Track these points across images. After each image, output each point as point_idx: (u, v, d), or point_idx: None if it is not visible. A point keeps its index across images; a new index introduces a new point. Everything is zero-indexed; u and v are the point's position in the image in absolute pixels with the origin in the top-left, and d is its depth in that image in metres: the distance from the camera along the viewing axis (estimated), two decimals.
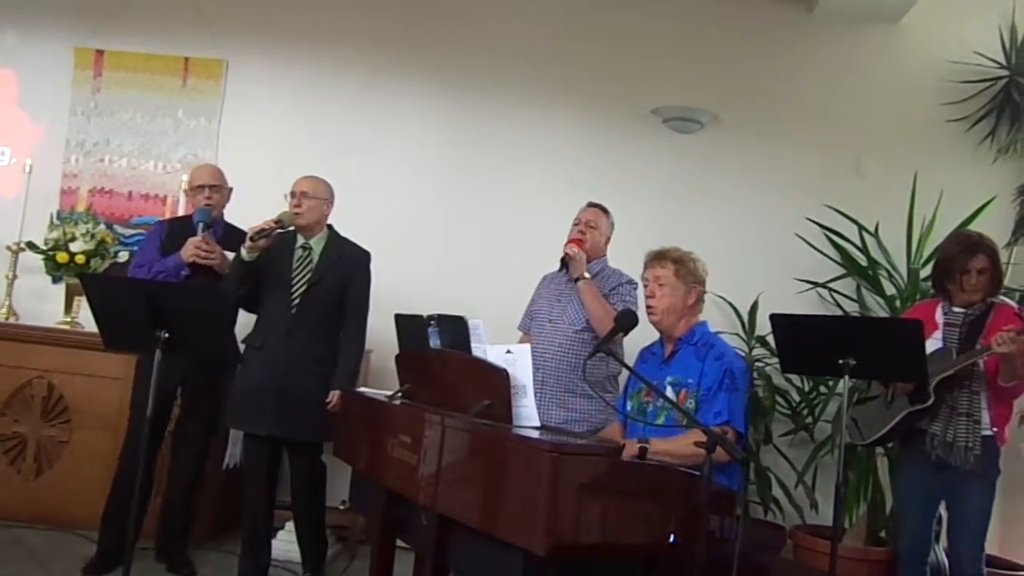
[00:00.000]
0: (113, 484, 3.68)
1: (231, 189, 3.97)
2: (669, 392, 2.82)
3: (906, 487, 3.40)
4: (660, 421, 2.82)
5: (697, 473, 2.19)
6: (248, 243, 3.46)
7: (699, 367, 2.83)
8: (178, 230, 3.85)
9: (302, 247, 3.66)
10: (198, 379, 3.73)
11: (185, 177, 4.73)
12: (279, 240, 3.56)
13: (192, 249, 3.67)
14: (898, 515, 3.58)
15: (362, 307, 3.70)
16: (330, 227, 3.76)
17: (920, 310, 3.44)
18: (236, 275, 3.57)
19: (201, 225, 3.73)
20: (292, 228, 3.61)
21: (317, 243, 3.68)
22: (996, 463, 3.18)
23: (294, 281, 3.61)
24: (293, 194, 3.64)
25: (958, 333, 3.20)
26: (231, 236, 3.86)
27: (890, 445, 3.78)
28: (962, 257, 3.21)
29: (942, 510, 3.32)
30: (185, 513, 3.87)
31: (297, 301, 3.59)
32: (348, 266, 3.69)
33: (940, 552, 3.42)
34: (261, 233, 3.46)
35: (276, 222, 3.50)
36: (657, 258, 3.01)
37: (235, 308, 3.71)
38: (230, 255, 3.79)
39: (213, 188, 3.86)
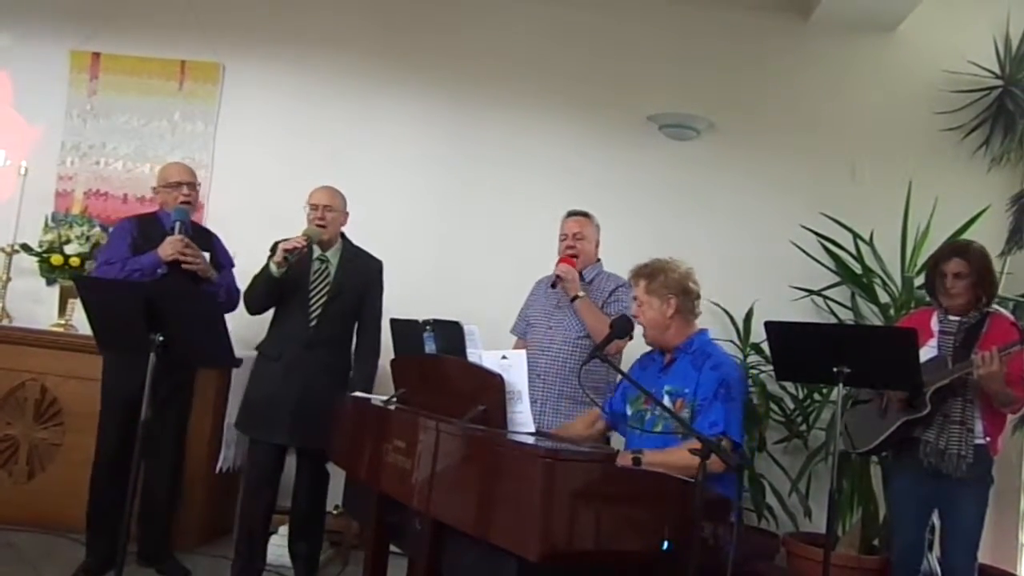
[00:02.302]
0: (89, 489, 3.66)
1: (199, 185, 3.93)
2: (666, 400, 2.81)
3: (899, 496, 3.40)
4: (658, 429, 2.80)
5: (692, 480, 2.19)
6: (279, 259, 3.48)
7: (695, 377, 2.82)
8: (149, 228, 3.75)
9: (319, 259, 3.69)
10: (166, 381, 3.69)
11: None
12: (305, 254, 3.59)
13: (170, 248, 3.60)
14: (891, 523, 3.59)
15: (377, 317, 3.75)
16: (343, 236, 3.79)
17: (915, 318, 3.45)
18: (264, 290, 3.59)
19: (178, 224, 3.66)
20: (316, 242, 3.65)
21: (333, 255, 3.72)
22: (989, 472, 3.19)
23: (312, 295, 3.64)
24: (315, 207, 3.66)
25: (952, 341, 3.20)
26: (199, 236, 3.85)
27: (884, 454, 3.79)
28: (938, 261, 3.29)
29: (935, 519, 3.32)
30: (168, 515, 3.83)
31: (317, 313, 3.62)
32: (364, 278, 3.74)
33: (933, 561, 3.43)
34: (294, 252, 3.48)
35: (306, 239, 3.53)
36: (633, 276, 3.02)
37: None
38: (205, 256, 3.75)
39: (191, 185, 3.79)
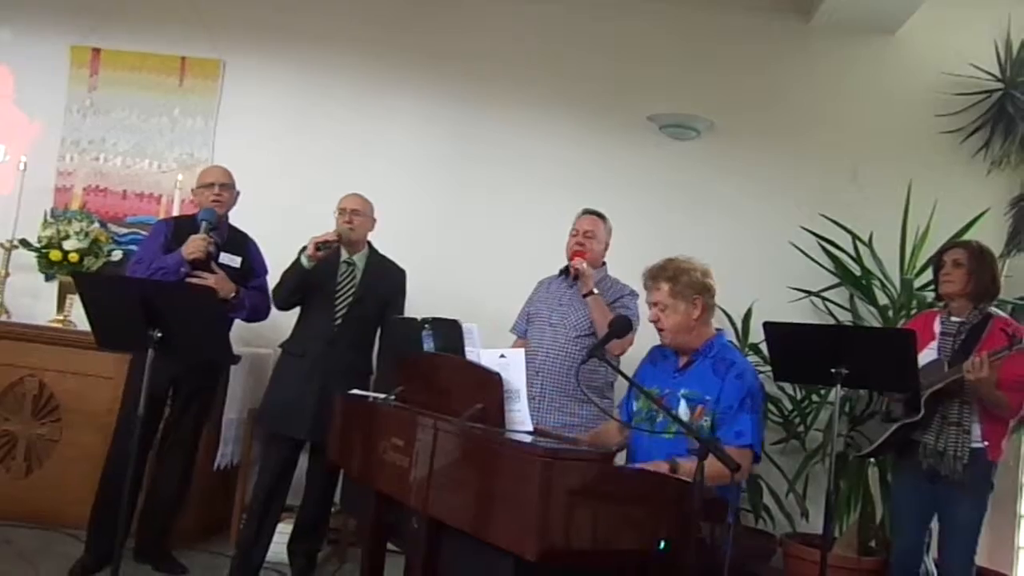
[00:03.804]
0: (100, 485, 3.66)
1: (239, 193, 3.93)
2: (683, 405, 2.74)
3: (900, 498, 3.41)
4: (671, 432, 2.70)
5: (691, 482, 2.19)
6: (311, 251, 3.56)
7: (718, 384, 2.71)
8: (184, 229, 3.76)
9: (346, 262, 3.76)
10: (191, 381, 3.72)
11: (180, 177, 4.74)
12: (335, 250, 3.67)
13: (192, 246, 3.61)
14: (891, 526, 3.60)
15: None
16: (370, 244, 3.86)
17: (920, 320, 3.47)
18: (293, 282, 3.66)
19: (205, 224, 3.68)
20: (347, 242, 3.72)
21: (360, 260, 3.80)
22: (988, 477, 3.18)
23: (338, 295, 3.71)
24: (343, 211, 3.75)
25: (952, 342, 3.21)
26: (235, 240, 3.86)
27: (881, 457, 3.79)
28: (939, 252, 3.39)
29: (934, 522, 3.33)
30: (173, 514, 3.85)
31: (342, 313, 3.70)
32: (388, 284, 3.82)
33: (931, 564, 3.43)
34: (326, 244, 3.57)
35: (336, 235, 3.62)
36: (652, 279, 2.89)
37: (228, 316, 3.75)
38: (236, 260, 3.79)
39: (224, 186, 3.82)
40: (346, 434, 3.12)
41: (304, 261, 3.59)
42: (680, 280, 2.83)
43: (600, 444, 2.90)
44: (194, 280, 3.61)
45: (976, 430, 3.14)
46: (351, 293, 3.72)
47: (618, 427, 3.02)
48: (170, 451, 3.79)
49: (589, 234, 3.69)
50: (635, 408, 2.92)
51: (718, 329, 2.95)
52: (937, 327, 3.29)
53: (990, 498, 3.21)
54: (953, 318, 3.28)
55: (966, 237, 4.11)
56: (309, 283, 3.67)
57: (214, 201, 3.77)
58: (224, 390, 4.25)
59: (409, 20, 5.09)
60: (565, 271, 3.77)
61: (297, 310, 3.82)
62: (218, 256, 3.74)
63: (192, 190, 3.97)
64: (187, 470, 3.86)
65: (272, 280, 3.84)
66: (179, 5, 5.07)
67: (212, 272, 3.67)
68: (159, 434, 3.76)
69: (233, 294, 3.72)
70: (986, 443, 3.14)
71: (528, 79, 5.01)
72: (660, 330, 2.88)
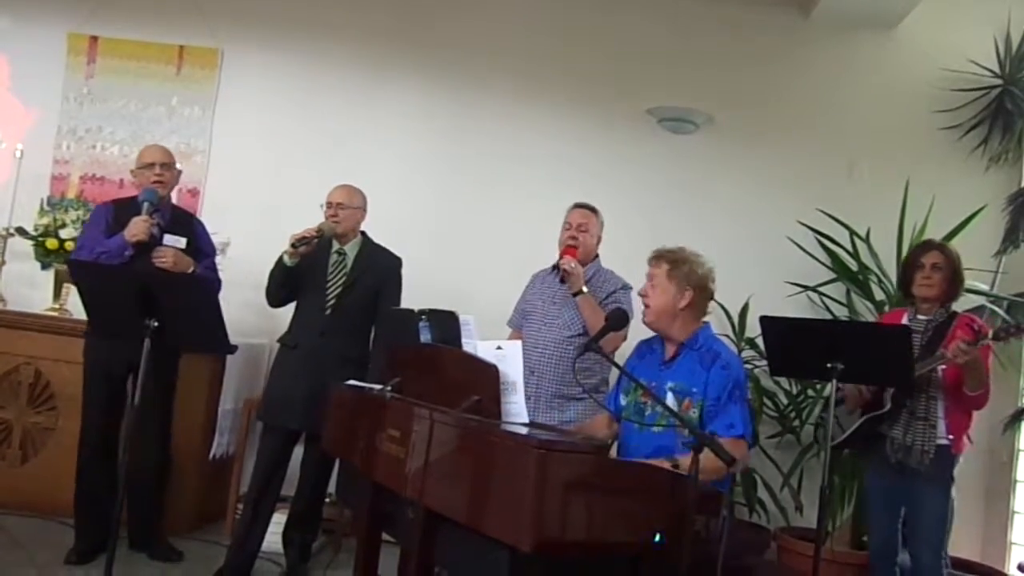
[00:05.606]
0: (76, 473, 3.68)
1: (180, 172, 3.90)
2: (671, 397, 2.76)
3: (872, 491, 3.45)
4: (662, 423, 2.74)
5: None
6: (290, 249, 3.55)
7: (704, 376, 2.75)
8: (125, 212, 3.69)
9: (337, 252, 3.76)
10: (148, 364, 3.68)
11: (178, 166, 4.71)
12: (316, 246, 3.65)
13: (134, 229, 3.57)
14: (867, 520, 3.62)
15: None
16: (363, 234, 3.85)
17: (890, 318, 3.53)
18: (278, 279, 3.67)
19: (147, 205, 3.63)
20: (330, 236, 3.72)
21: (351, 249, 3.79)
22: (951, 471, 3.22)
23: (328, 285, 3.70)
24: (329, 204, 3.74)
25: (920, 339, 3.25)
26: (179, 221, 3.83)
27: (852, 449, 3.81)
28: (916, 253, 3.37)
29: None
30: (157, 499, 3.83)
31: (332, 303, 3.69)
32: (381, 272, 3.80)
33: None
34: (303, 241, 3.54)
35: (316, 231, 3.60)
36: (656, 256, 2.92)
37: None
38: (181, 241, 3.72)
39: (165, 166, 3.76)
40: (341, 425, 3.12)
41: (286, 259, 3.59)
42: (680, 267, 2.87)
43: (588, 435, 2.91)
44: (157, 260, 3.58)
45: (942, 425, 3.19)
46: (340, 283, 3.71)
47: (606, 420, 3.06)
48: (138, 438, 3.73)
49: (582, 227, 3.67)
50: (623, 403, 2.94)
51: (705, 322, 2.96)
52: (905, 323, 3.32)
53: (953, 490, 3.22)
54: (920, 316, 3.33)
55: (963, 233, 4.16)
56: (298, 276, 3.67)
57: (155, 182, 3.71)
58: (220, 380, 4.26)
59: (408, 12, 5.08)
60: (557, 267, 3.76)
61: (294, 305, 3.81)
62: (161, 238, 3.69)
63: (132, 171, 3.92)
64: (162, 455, 3.82)
65: (259, 269, 3.82)
66: None
67: (159, 255, 3.62)
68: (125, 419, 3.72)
69: (192, 268, 3.70)
70: (951, 437, 3.18)
71: (527, 72, 5.01)
72: (646, 306, 2.90)
